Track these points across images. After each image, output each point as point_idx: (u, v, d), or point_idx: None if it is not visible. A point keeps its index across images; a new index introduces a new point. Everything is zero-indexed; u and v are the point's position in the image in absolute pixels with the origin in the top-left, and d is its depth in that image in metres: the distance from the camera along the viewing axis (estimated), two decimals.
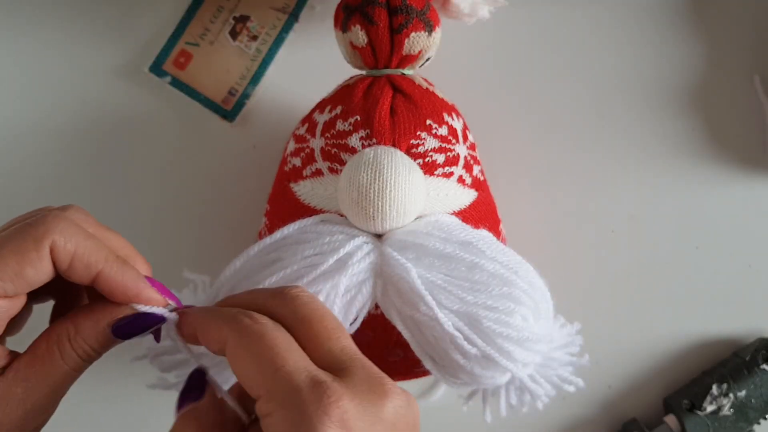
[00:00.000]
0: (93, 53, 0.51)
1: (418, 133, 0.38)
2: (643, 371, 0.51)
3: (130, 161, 0.51)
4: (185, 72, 0.50)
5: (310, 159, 0.39)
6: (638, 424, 0.49)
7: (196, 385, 0.29)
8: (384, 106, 0.38)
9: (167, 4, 0.51)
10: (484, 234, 0.36)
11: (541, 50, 0.52)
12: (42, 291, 0.30)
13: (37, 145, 0.50)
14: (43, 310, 0.32)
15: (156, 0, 0.51)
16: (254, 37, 0.50)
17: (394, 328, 0.35)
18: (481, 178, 0.41)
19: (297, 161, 0.40)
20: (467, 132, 0.42)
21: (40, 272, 0.27)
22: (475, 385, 0.37)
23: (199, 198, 0.51)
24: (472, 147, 0.42)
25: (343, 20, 0.39)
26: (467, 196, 0.39)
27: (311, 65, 0.51)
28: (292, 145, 0.41)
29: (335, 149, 0.38)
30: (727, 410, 0.48)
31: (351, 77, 0.41)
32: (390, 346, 0.39)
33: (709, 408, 0.48)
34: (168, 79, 0.50)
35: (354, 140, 0.37)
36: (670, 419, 0.48)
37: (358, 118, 0.38)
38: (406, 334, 0.35)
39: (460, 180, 0.39)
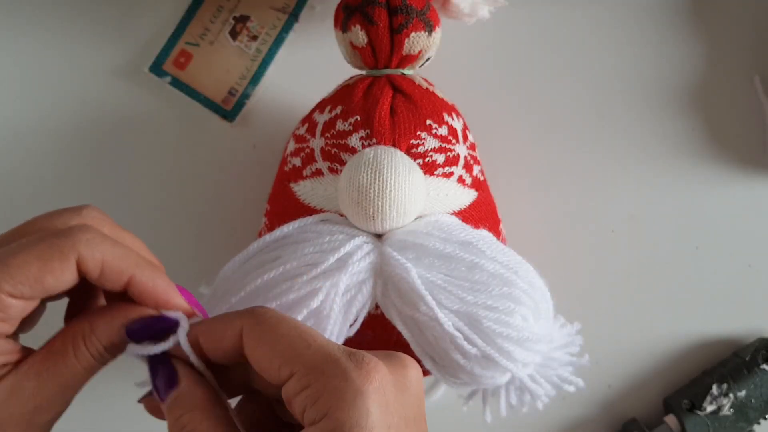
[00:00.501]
0: (93, 53, 0.51)
1: (418, 133, 0.38)
2: (643, 371, 0.51)
3: (130, 161, 0.51)
4: (185, 72, 0.50)
5: (310, 159, 0.39)
6: (638, 424, 0.49)
7: (166, 371, 0.29)
8: (384, 106, 0.38)
9: (167, 4, 0.51)
10: (484, 234, 0.36)
11: (541, 50, 0.52)
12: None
13: (37, 145, 0.50)
14: (58, 307, 0.32)
15: (156, 0, 0.51)
16: (254, 37, 0.50)
17: (394, 328, 0.35)
18: (481, 178, 0.41)
19: (297, 161, 0.40)
20: (467, 132, 0.42)
21: (60, 282, 0.27)
22: (475, 385, 0.37)
23: (199, 198, 0.51)
24: (472, 147, 0.42)
25: (343, 20, 0.39)
26: (467, 196, 0.39)
27: (311, 65, 0.51)
28: (292, 145, 0.41)
29: (335, 149, 0.38)
30: (727, 410, 0.48)
31: (351, 77, 0.41)
32: (390, 346, 0.39)
33: (709, 408, 0.48)
34: (168, 79, 0.50)
35: (354, 140, 0.37)
36: (670, 419, 0.48)
37: (358, 118, 0.38)
38: (406, 334, 0.35)
39: (460, 180, 0.39)
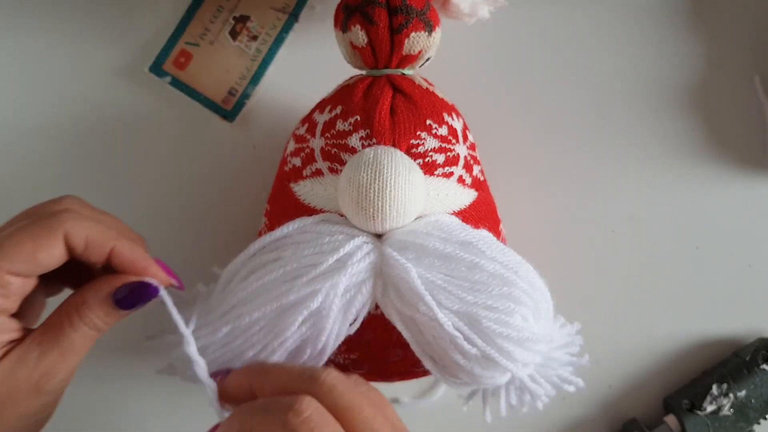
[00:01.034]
0: (93, 53, 0.51)
1: (418, 133, 0.38)
2: (643, 371, 0.51)
3: (130, 161, 0.51)
4: (185, 72, 0.50)
5: (310, 159, 0.39)
6: (638, 424, 0.49)
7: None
8: (384, 106, 0.38)
9: (167, 4, 0.51)
10: (484, 234, 0.36)
11: (541, 50, 0.52)
12: (58, 279, 0.34)
13: (37, 144, 0.50)
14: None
15: (156, 0, 0.51)
16: (254, 37, 0.50)
17: (394, 328, 0.35)
18: (481, 178, 0.41)
19: (297, 161, 0.40)
20: (467, 132, 0.42)
21: (51, 256, 0.31)
22: (475, 385, 0.37)
23: (199, 198, 0.51)
24: (472, 147, 0.42)
25: (343, 20, 0.39)
26: (467, 196, 0.39)
27: (311, 65, 0.51)
28: (292, 145, 0.41)
29: (335, 149, 0.38)
30: (727, 410, 0.48)
31: (351, 77, 0.41)
32: (390, 346, 0.39)
33: (709, 408, 0.48)
34: (168, 79, 0.50)
35: (354, 140, 0.37)
36: (670, 419, 0.48)
37: (358, 118, 0.38)
38: (405, 334, 0.35)
39: (460, 180, 0.39)
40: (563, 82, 0.51)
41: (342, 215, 0.37)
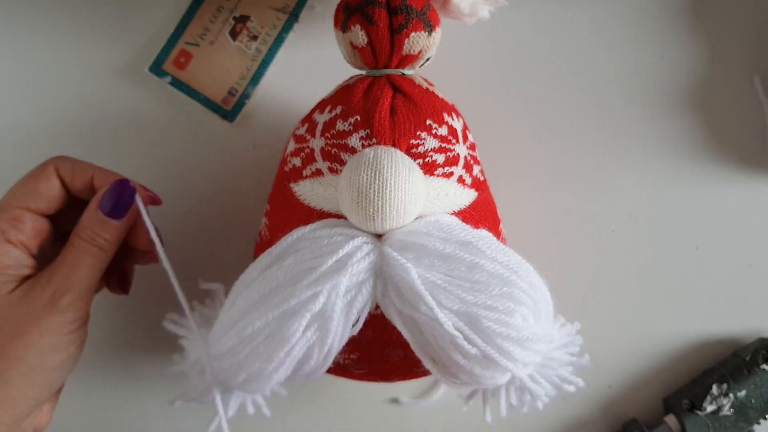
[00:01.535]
0: (93, 53, 0.51)
1: (418, 133, 0.38)
2: (643, 371, 0.51)
3: (130, 161, 0.51)
4: (185, 72, 0.50)
5: (310, 159, 0.39)
6: (638, 424, 0.49)
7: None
8: (384, 106, 0.38)
9: (167, 4, 0.51)
10: (484, 234, 0.36)
11: (541, 50, 0.52)
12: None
13: (38, 144, 0.50)
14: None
15: (156, 0, 0.51)
16: (254, 37, 0.50)
17: (394, 328, 0.35)
18: (481, 178, 0.41)
19: (297, 161, 0.40)
20: (467, 132, 0.42)
21: (50, 186, 0.38)
22: (475, 385, 0.37)
23: (199, 198, 0.51)
24: (472, 147, 0.42)
25: (343, 20, 0.39)
26: (467, 196, 0.39)
27: (311, 65, 0.51)
28: (292, 145, 0.41)
29: (335, 149, 0.38)
30: (727, 410, 0.48)
31: (351, 77, 0.41)
32: (390, 346, 0.39)
33: (709, 408, 0.48)
34: (168, 79, 0.50)
35: (354, 140, 0.37)
36: (670, 419, 0.48)
37: (358, 118, 0.38)
38: (406, 334, 0.35)
39: (460, 180, 0.39)
40: (563, 82, 0.51)
41: (342, 215, 0.37)
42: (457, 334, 0.33)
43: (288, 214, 0.39)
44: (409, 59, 0.39)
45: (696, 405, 0.48)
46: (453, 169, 0.38)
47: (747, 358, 0.48)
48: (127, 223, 0.38)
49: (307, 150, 0.39)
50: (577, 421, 0.51)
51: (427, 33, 0.39)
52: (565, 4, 0.52)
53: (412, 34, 0.38)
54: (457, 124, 0.40)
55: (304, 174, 0.39)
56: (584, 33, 0.52)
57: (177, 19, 0.50)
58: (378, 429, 0.51)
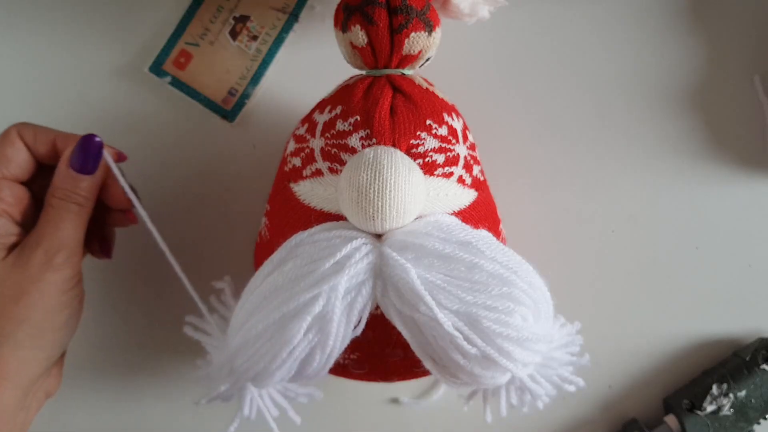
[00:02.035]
0: (93, 53, 0.51)
1: (418, 133, 0.38)
2: (643, 371, 0.51)
3: (130, 161, 0.50)
4: (185, 72, 0.50)
5: (310, 159, 0.39)
6: (638, 424, 0.49)
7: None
8: (384, 106, 0.38)
9: (167, 4, 0.51)
10: (483, 234, 0.36)
11: (541, 50, 0.52)
12: None
13: None
14: None
15: (156, 0, 0.51)
16: (254, 37, 0.50)
17: (394, 328, 0.35)
18: (481, 178, 0.41)
19: (297, 161, 0.40)
20: (467, 132, 0.42)
21: (17, 150, 0.38)
22: (475, 385, 0.37)
23: (199, 198, 0.51)
24: (472, 147, 0.42)
25: (343, 20, 0.39)
26: (467, 196, 0.39)
27: (311, 65, 0.51)
28: (292, 145, 0.41)
29: (335, 149, 0.38)
30: (727, 410, 0.48)
31: (351, 77, 0.41)
32: (390, 346, 0.39)
33: (709, 408, 0.48)
34: (168, 79, 0.50)
35: (354, 140, 0.37)
36: (670, 419, 0.48)
37: (358, 118, 0.38)
38: (405, 334, 0.35)
39: (460, 180, 0.39)
40: (563, 82, 0.51)
41: (342, 215, 0.37)
42: (456, 334, 0.33)
43: (288, 214, 0.39)
44: (409, 59, 0.39)
45: (696, 405, 0.48)
46: (453, 169, 0.38)
47: (747, 358, 0.48)
48: (99, 177, 0.39)
49: (307, 150, 0.39)
50: (577, 421, 0.51)
51: (427, 33, 0.39)
52: (565, 4, 0.52)
53: (412, 34, 0.38)
54: (457, 124, 0.40)
55: (304, 174, 0.39)
56: (584, 33, 0.52)
57: (177, 19, 0.50)
58: (378, 429, 0.51)
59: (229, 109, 0.50)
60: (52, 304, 0.37)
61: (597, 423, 0.51)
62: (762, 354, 0.48)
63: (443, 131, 0.39)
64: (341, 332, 0.34)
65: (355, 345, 0.38)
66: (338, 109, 0.39)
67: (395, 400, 0.51)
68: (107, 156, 0.39)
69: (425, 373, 0.38)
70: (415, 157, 0.37)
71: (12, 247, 0.37)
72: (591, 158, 0.51)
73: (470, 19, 0.46)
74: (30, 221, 0.39)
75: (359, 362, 0.41)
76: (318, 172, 0.38)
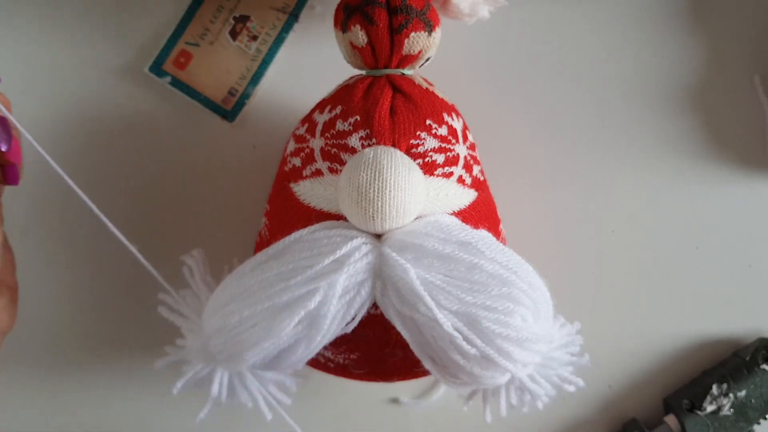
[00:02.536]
0: (93, 53, 0.51)
1: (418, 133, 0.38)
2: (643, 371, 0.51)
3: (130, 161, 0.51)
4: (185, 72, 0.50)
5: (309, 159, 0.39)
6: (638, 424, 0.49)
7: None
8: (384, 106, 0.38)
9: (167, 4, 0.51)
10: (483, 234, 0.36)
11: (541, 50, 0.52)
12: None
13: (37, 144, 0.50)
14: None
15: (156, 0, 0.51)
16: (254, 37, 0.50)
17: (394, 328, 0.35)
18: (481, 178, 0.41)
19: (297, 161, 0.40)
20: (467, 132, 0.42)
21: None
22: (474, 386, 0.37)
23: (199, 198, 0.51)
24: (472, 147, 0.42)
25: (343, 20, 0.39)
26: (467, 196, 0.39)
27: (311, 65, 0.51)
28: (292, 145, 0.41)
29: (335, 149, 0.38)
30: (727, 410, 0.48)
31: (351, 77, 0.41)
32: (390, 346, 0.39)
33: (709, 408, 0.48)
34: (168, 79, 0.50)
35: (354, 140, 0.37)
36: (670, 419, 0.48)
37: (358, 118, 0.38)
38: (405, 334, 0.35)
39: (460, 180, 0.39)
40: (563, 82, 0.51)
41: (342, 215, 0.37)
42: (456, 334, 0.33)
43: (288, 214, 0.39)
44: (409, 59, 0.39)
45: (696, 405, 0.48)
46: (453, 169, 0.38)
47: (747, 358, 0.48)
48: None
49: (307, 150, 0.39)
50: (577, 421, 0.51)
51: (427, 33, 0.39)
52: (565, 4, 0.52)
53: (412, 34, 0.38)
54: (457, 124, 0.40)
55: (304, 174, 0.39)
56: (584, 33, 0.51)
57: (177, 19, 0.50)
58: (378, 429, 0.51)
59: (229, 109, 0.50)
60: None
61: (597, 423, 0.51)
62: (762, 354, 0.48)
63: (443, 131, 0.39)
64: (332, 330, 0.34)
65: (355, 345, 0.38)
66: (338, 109, 0.39)
67: (395, 400, 0.51)
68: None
69: (425, 373, 0.38)
70: (415, 157, 0.37)
71: None
72: (591, 158, 0.51)
73: (470, 19, 0.46)
74: None
75: (359, 362, 0.41)
76: (318, 172, 0.38)
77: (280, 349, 0.34)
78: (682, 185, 0.51)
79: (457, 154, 0.39)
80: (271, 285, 0.34)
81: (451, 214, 0.38)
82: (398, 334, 0.35)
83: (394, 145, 0.37)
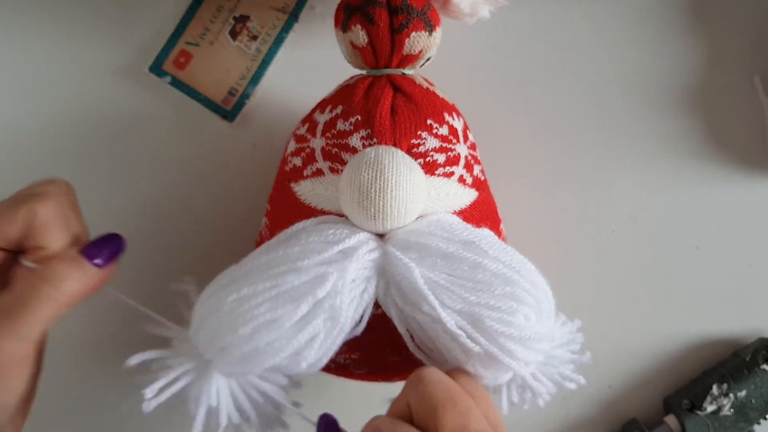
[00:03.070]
0: (93, 53, 0.51)
1: (419, 132, 0.38)
2: (643, 371, 0.51)
3: (130, 161, 0.51)
4: (185, 72, 0.50)
5: (310, 159, 0.39)
6: (638, 424, 0.49)
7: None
8: (384, 105, 0.38)
9: (167, 4, 0.51)
10: (486, 233, 0.36)
11: (541, 50, 0.52)
12: None
13: (37, 145, 0.50)
14: None
15: (156, 0, 0.51)
16: (254, 37, 0.50)
17: (394, 327, 0.35)
18: (482, 178, 0.41)
19: (297, 161, 0.40)
20: (468, 132, 0.42)
21: (12, 227, 0.32)
22: None
23: (198, 198, 0.51)
24: (473, 147, 0.42)
25: (343, 20, 0.39)
26: (468, 196, 0.39)
27: (311, 65, 0.51)
28: (292, 145, 0.41)
29: (336, 149, 0.38)
30: (727, 410, 0.48)
31: (351, 77, 0.41)
32: (391, 345, 0.39)
33: (710, 408, 0.48)
34: (168, 79, 0.50)
35: (355, 140, 0.37)
36: (670, 419, 0.48)
37: (359, 118, 0.38)
38: (403, 334, 0.35)
39: (461, 180, 0.39)
40: (563, 82, 0.51)
41: (343, 215, 0.37)
42: (459, 333, 0.33)
43: (288, 214, 0.39)
44: (410, 59, 0.39)
45: (696, 405, 0.48)
46: (454, 168, 0.38)
47: (747, 358, 0.48)
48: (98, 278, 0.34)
49: (307, 150, 0.39)
50: (577, 421, 0.51)
51: (427, 33, 0.39)
52: (565, 4, 0.52)
53: (413, 33, 0.38)
54: (458, 124, 0.40)
55: (305, 174, 0.39)
56: (584, 33, 0.52)
57: (177, 19, 0.50)
58: None
59: (229, 109, 0.50)
60: None
61: (597, 423, 0.51)
62: (762, 354, 0.48)
63: (444, 131, 0.39)
64: (347, 328, 0.34)
65: (355, 345, 0.38)
66: (339, 109, 0.39)
67: None
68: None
69: None
70: (416, 156, 0.37)
71: None
72: (591, 158, 0.51)
73: (470, 19, 0.46)
74: None
75: (360, 362, 0.41)
76: (319, 172, 0.38)
77: (298, 346, 0.33)
78: (682, 185, 0.51)
79: (458, 154, 0.39)
80: (276, 265, 0.33)
81: (452, 213, 0.38)
82: (399, 333, 0.35)
83: (395, 145, 0.37)
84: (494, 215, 0.42)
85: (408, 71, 0.40)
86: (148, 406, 0.34)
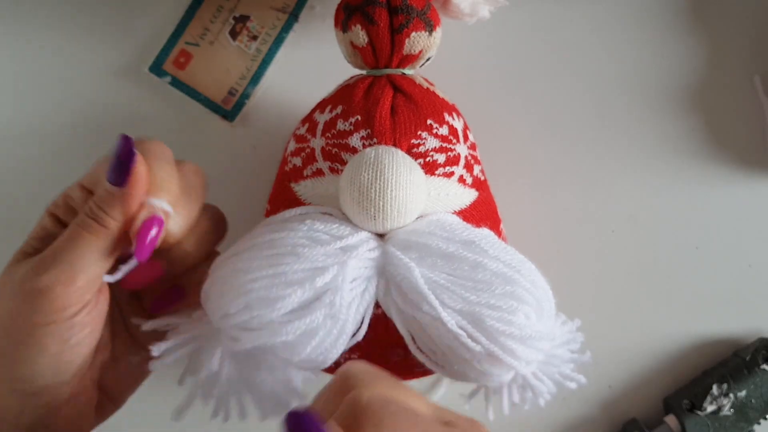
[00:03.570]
0: (93, 53, 0.51)
1: (419, 132, 0.38)
2: (643, 371, 0.51)
3: None
4: (185, 72, 0.50)
5: (310, 159, 0.39)
6: (638, 424, 0.49)
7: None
8: (384, 105, 0.38)
9: (167, 4, 0.51)
10: (486, 233, 0.36)
11: (541, 50, 0.52)
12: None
13: (37, 145, 0.50)
14: None
15: (156, 0, 0.51)
16: (254, 37, 0.50)
17: (394, 327, 0.35)
18: (482, 178, 0.41)
19: (297, 161, 0.40)
20: (468, 132, 0.42)
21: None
22: (478, 383, 0.37)
23: None
24: (473, 147, 0.42)
25: (343, 20, 0.39)
26: (468, 196, 0.39)
27: (311, 65, 0.51)
28: (292, 145, 0.41)
29: (336, 149, 0.38)
30: (727, 410, 0.48)
31: (351, 77, 0.41)
32: (391, 345, 0.39)
33: (710, 408, 0.48)
34: (168, 79, 0.50)
35: (355, 140, 0.37)
36: (670, 419, 0.48)
37: (359, 118, 0.38)
38: (404, 334, 0.35)
39: (461, 180, 0.39)
40: (563, 82, 0.51)
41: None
42: (460, 332, 0.33)
43: None
44: (410, 59, 0.39)
45: (696, 405, 0.48)
46: (454, 168, 0.38)
47: (747, 358, 0.48)
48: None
49: (307, 150, 0.39)
50: (577, 421, 0.51)
51: (427, 33, 0.39)
52: (565, 4, 0.52)
53: (413, 33, 0.38)
54: (458, 124, 0.40)
55: (305, 174, 0.39)
56: (584, 33, 0.52)
57: (177, 19, 0.50)
58: None
59: (229, 109, 0.50)
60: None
61: (597, 423, 0.51)
62: (762, 354, 0.48)
63: (444, 131, 0.39)
64: (348, 329, 0.34)
65: (355, 345, 0.37)
66: (339, 109, 0.39)
67: None
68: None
69: (426, 373, 0.38)
70: (416, 156, 0.37)
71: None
72: (591, 158, 0.51)
73: (470, 19, 0.46)
74: None
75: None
76: (319, 172, 0.38)
77: (293, 336, 0.33)
78: (682, 185, 0.51)
79: (458, 154, 0.39)
80: (277, 246, 0.34)
81: (452, 213, 0.38)
82: (399, 333, 0.35)
83: (395, 145, 0.37)
84: (494, 215, 0.42)
85: (408, 71, 0.40)
86: (154, 365, 0.34)
